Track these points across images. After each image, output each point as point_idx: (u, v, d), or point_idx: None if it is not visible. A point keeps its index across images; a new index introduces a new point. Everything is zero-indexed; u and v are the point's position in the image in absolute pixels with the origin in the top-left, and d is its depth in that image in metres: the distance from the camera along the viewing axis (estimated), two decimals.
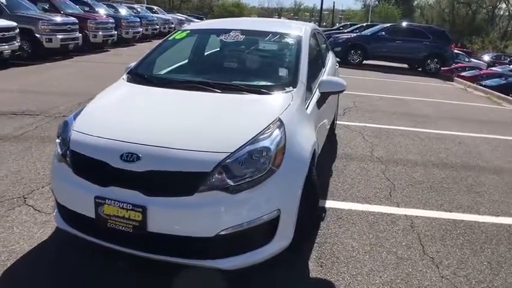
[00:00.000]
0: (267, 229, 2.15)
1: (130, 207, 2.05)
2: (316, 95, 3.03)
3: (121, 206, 2.07)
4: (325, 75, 3.67)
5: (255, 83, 2.86)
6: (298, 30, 3.35)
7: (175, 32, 3.60)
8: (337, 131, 5.54)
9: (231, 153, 2.07)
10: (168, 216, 2.04)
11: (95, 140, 2.23)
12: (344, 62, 14.00)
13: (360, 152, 4.76)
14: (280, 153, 2.19)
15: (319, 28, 4.65)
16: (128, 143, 2.14)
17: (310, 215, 2.51)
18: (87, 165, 2.20)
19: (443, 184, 3.96)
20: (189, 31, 3.64)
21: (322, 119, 3.17)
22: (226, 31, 3.36)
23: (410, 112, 7.23)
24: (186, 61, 3.55)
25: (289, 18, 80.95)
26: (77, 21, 11.88)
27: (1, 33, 8.92)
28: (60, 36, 10.86)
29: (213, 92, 2.66)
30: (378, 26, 15.49)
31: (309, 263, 2.55)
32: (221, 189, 2.01)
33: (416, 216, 3.26)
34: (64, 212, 2.36)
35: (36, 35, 10.46)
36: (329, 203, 3.37)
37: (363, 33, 15.31)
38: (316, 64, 3.62)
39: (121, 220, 2.09)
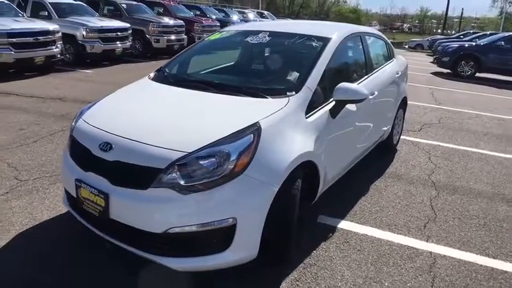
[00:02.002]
0: (221, 237, 2.04)
1: (97, 193, 2.16)
2: (332, 103, 2.77)
3: (91, 190, 2.20)
4: (363, 84, 3.32)
5: (257, 85, 2.74)
6: (329, 34, 3.10)
7: (213, 34, 3.68)
8: (401, 147, 4.98)
9: (189, 153, 2.02)
10: (125, 207, 2.08)
11: (87, 127, 2.41)
12: (453, 73, 12.54)
13: (415, 173, 4.19)
14: (246, 159, 2.05)
15: (374, 32, 4.23)
16: (107, 133, 2.26)
17: (284, 233, 2.30)
18: (77, 149, 2.39)
19: (504, 223, 3.24)
20: (224, 32, 3.68)
21: (340, 129, 2.88)
22: (256, 33, 3.30)
23: (509, 135, 6.10)
24: (207, 61, 3.59)
25: (409, 28, 75.39)
26: (184, 24, 13.00)
27: (115, 33, 10.27)
28: (166, 37, 12.04)
29: (212, 92, 2.64)
30: (497, 35, 13.41)
31: (282, 282, 2.34)
32: (172, 188, 1.98)
33: (444, 255, 2.73)
34: (65, 192, 2.61)
35: (147, 35, 11.77)
36: (344, 224, 3.05)
37: (477, 42, 13.43)
38: (349, 71, 3.31)
39: (91, 204, 2.22)
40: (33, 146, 4.43)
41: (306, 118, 2.50)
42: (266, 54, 3.30)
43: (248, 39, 3.28)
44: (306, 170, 2.49)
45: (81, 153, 2.35)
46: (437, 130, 5.98)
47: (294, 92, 2.54)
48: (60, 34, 8.86)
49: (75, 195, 2.34)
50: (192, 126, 2.24)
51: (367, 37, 3.77)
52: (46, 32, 8.42)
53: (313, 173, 2.60)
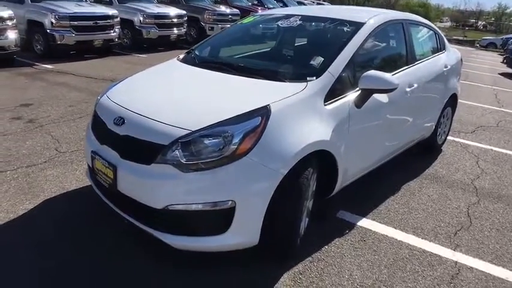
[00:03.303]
0: (220, 219, 2.00)
1: (107, 165, 2.22)
2: (358, 92, 2.60)
3: (103, 162, 2.26)
4: (400, 75, 3.09)
5: (278, 69, 2.64)
6: (363, 19, 2.90)
7: (246, 17, 3.62)
8: (446, 147, 4.61)
9: (192, 131, 1.99)
10: (129, 180, 2.12)
11: (107, 103, 2.48)
12: None
13: (457, 176, 3.85)
14: (250, 142, 1.99)
15: (421, 21, 3.89)
16: (123, 109, 2.30)
17: (288, 224, 2.20)
18: (97, 123, 2.48)
19: None
20: (257, 16, 3.60)
21: (366, 122, 2.70)
22: (288, 16, 3.19)
23: None
24: (235, 44, 3.52)
25: (484, 25, 69.27)
26: (239, 13, 13.07)
27: (171, 20, 10.58)
28: (221, 25, 12.18)
29: (232, 74, 2.59)
30: None
31: (285, 274, 2.26)
32: (173, 165, 1.97)
33: (471, 267, 2.47)
34: (88, 164, 2.72)
35: (201, 23, 12.00)
36: (364, 222, 2.88)
37: None
38: (383, 60, 3.08)
39: (103, 175, 2.29)
40: (78, 122, 4.69)
41: (325, 105, 2.36)
42: (295, 38, 3.19)
43: (279, 23, 3.19)
44: (322, 161, 2.37)
45: (99, 127, 2.43)
46: (492, 133, 5.46)
47: (314, 77, 2.42)
48: (118, 19, 9.31)
49: (91, 166, 2.43)
50: (203, 106, 2.21)
51: (411, 25, 3.49)
52: (105, 17, 8.88)
53: (331, 165, 2.47)
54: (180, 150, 1.97)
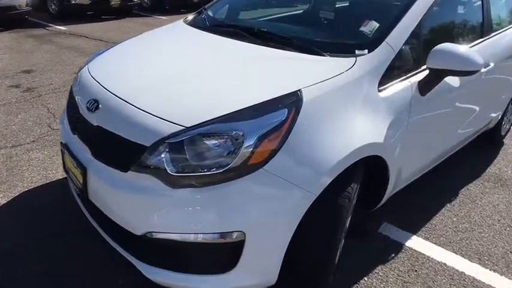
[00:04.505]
0: (222, 253, 1.41)
1: (75, 165, 1.65)
2: (424, 73, 1.88)
3: (71, 160, 1.69)
4: (476, 49, 2.32)
5: (315, 37, 1.93)
6: None
7: None
8: (510, 140, 3.80)
9: (186, 128, 1.37)
10: (102, 190, 1.54)
11: (85, 78, 1.87)
12: None
13: None
14: (270, 146, 1.35)
15: None
16: (99, 88, 1.70)
17: (320, 257, 1.58)
18: (71, 106, 1.89)
19: None
20: None
21: (429, 113, 1.99)
22: None
23: None
24: (263, 3, 2.79)
25: None
26: None
27: None
28: None
29: (252, 42, 1.91)
30: None
31: None
32: (157, 176, 1.37)
33: None
34: None
35: None
36: (415, 242, 2.23)
37: None
38: (456, 29, 2.31)
39: (73, 177, 1.73)
40: None
41: (379, 92, 1.67)
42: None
43: None
44: (368, 167, 1.71)
45: (72, 110, 1.84)
46: None
47: (366, 50, 1.71)
48: None
49: (62, 161, 1.87)
50: (207, 90, 1.56)
51: None
52: None
53: (379, 170, 1.81)
54: (167, 155, 1.36)
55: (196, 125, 1.36)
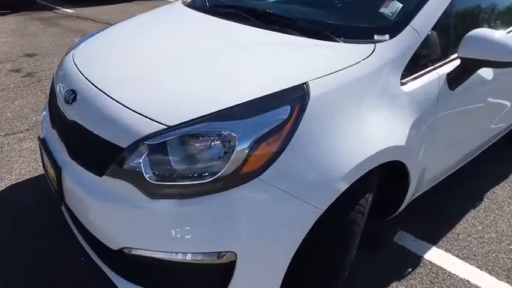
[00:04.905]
0: (208, 275, 1.20)
1: (50, 164, 1.46)
2: (454, 63, 1.61)
3: (48, 158, 1.50)
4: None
5: (326, 19, 1.66)
6: None
7: None
8: None
9: (169, 127, 1.14)
10: (76, 194, 1.34)
11: (68, 65, 1.66)
12: None
13: None
14: (269, 150, 1.12)
15: None
16: (79, 76, 1.49)
17: (327, 275, 1.36)
18: (52, 95, 1.69)
19: None
20: None
21: (458, 108, 1.73)
22: None
23: None
24: None
25: None
26: None
27: None
28: None
29: (253, 25, 1.67)
30: None
31: None
32: (133, 183, 1.16)
33: None
34: None
35: None
36: (435, 254, 1.99)
37: None
38: (492, 12, 2.01)
39: (50, 176, 1.53)
40: None
41: (402, 85, 1.42)
42: None
43: None
44: (384, 171, 1.47)
45: (52, 101, 1.65)
46: None
47: (387, 36, 1.45)
48: None
49: (41, 158, 1.68)
50: (198, 80, 1.33)
51: None
52: None
53: (398, 175, 1.57)
54: (146, 159, 1.14)
55: (181, 123, 1.14)
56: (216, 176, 1.09)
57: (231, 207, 1.11)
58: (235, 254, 1.13)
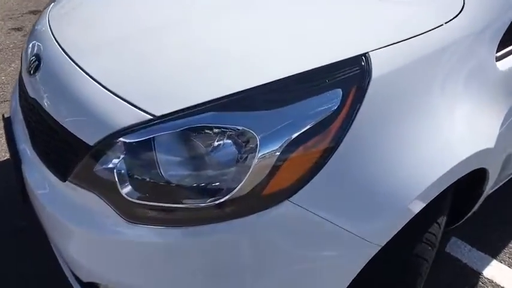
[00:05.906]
0: None
1: (12, 152, 1.11)
2: None
3: (9, 144, 1.15)
4: None
5: None
6: None
7: None
8: None
9: (156, 117, 0.76)
10: (36, 199, 0.99)
11: (39, 25, 1.28)
12: None
13: None
14: (308, 158, 0.73)
15: None
16: (48, 40, 1.11)
17: None
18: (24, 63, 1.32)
19: None
20: None
21: None
22: None
23: None
24: None
25: None
26: None
27: None
28: None
29: None
30: None
31: None
32: (104, 197, 0.79)
33: None
34: None
35: None
36: (493, 268, 1.64)
37: None
38: None
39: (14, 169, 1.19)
40: None
41: (497, 60, 0.98)
42: None
43: None
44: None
45: (22, 69, 1.28)
46: None
47: None
48: None
49: None
50: (201, 49, 0.91)
51: None
52: None
53: (472, 182, 1.16)
54: (121, 164, 0.77)
55: (174, 112, 0.75)
56: (227, 196, 0.72)
57: (247, 244, 0.74)
58: None
